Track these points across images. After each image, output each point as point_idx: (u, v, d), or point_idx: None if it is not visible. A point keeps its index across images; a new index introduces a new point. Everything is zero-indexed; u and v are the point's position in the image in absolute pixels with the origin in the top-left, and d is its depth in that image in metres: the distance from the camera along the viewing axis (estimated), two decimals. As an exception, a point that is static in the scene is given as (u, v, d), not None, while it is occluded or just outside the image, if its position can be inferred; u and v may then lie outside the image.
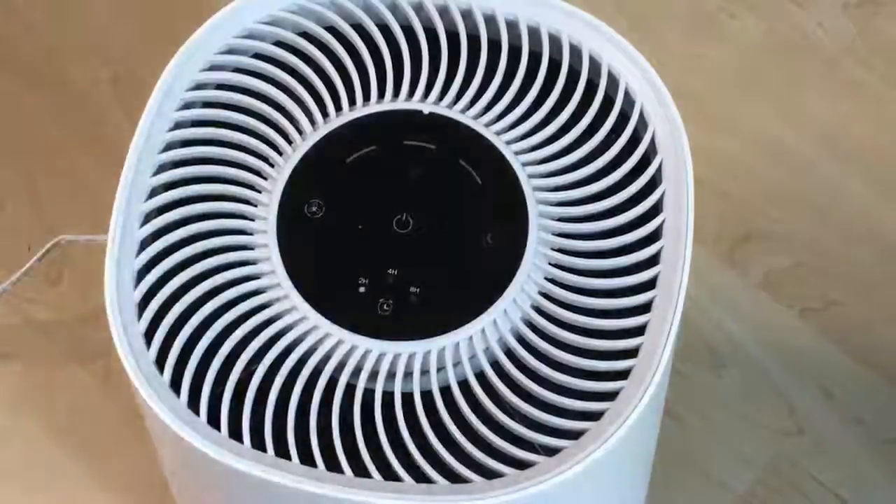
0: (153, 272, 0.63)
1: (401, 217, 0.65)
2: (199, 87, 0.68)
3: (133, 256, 0.64)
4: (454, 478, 0.60)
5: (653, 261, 0.64)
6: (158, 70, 0.67)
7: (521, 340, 0.63)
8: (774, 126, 1.07)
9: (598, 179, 0.66)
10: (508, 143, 0.66)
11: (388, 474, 0.60)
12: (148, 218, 0.65)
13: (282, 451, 0.61)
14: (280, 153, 0.66)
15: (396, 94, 0.68)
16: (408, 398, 0.61)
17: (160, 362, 0.62)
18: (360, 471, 0.60)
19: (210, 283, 0.63)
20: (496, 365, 0.62)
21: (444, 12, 0.69)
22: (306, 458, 0.60)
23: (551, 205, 0.65)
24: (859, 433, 0.96)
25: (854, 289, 1.01)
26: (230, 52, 0.69)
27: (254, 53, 0.69)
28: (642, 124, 0.67)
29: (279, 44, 0.69)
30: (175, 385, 0.62)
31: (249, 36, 0.69)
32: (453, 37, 0.69)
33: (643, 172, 0.66)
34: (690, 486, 0.94)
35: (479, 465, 0.60)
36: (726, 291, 1.01)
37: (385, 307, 0.63)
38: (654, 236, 0.65)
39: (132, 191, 0.65)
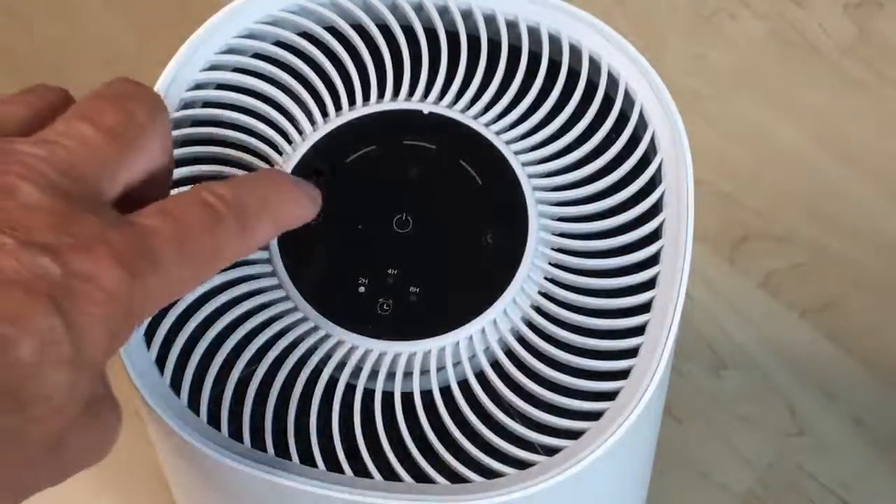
0: (153, 272, 0.63)
1: (401, 217, 0.65)
2: (198, 86, 0.68)
3: (133, 256, 0.64)
4: (454, 478, 0.60)
5: (653, 260, 0.64)
6: (158, 70, 0.67)
7: (521, 340, 0.63)
8: (775, 126, 1.07)
9: (597, 179, 0.66)
10: (508, 142, 0.66)
11: (388, 474, 0.60)
12: (148, 218, 0.65)
13: (282, 451, 0.61)
14: (280, 153, 0.66)
15: (396, 94, 0.68)
16: (408, 398, 0.61)
17: (160, 362, 0.62)
18: (360, 471, 0.60)
19: (210, 284, 0.63)
20: (496, 365, 0.62)
21: (444, 12, 0.69)
22: (306, 458, 0.60)
23: (551, 204, 0.65)
24: (859, 433, 0.96)
25: (854, 289, 1.01)
26: (230, 51, 0.69)
27: (254, 53, 0.69)
28: (642, 124, 0.67)
29: (279, 44, 0.69)
30: (175, 385, 0.62)
31: (250, 36, 0.69)
32: (453, 37, 0.69)
33: (643, 172, 0.66)
34: (690, 487, 0.95)
35: (479, 465, 0.60)
36: (726, 291, 1.01)
37: (385, 307, 0.63)
38: (654, 236, 0.65)
39: (132, 191, 0.65)
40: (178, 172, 0.66)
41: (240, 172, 0.66)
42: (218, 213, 0.53)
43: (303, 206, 0.60)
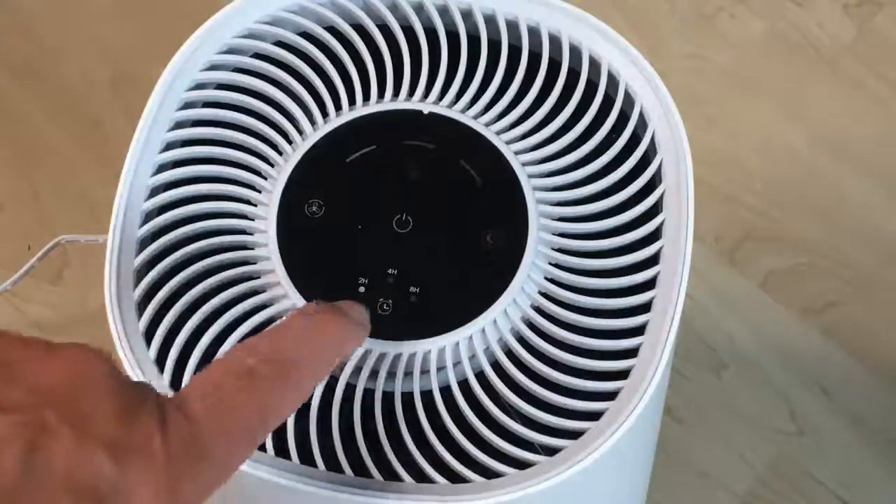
0: (153, 272, 0.63)
1: (401, 217, 0.65)
2: (199, 86, 0.68)
3: (133, 256, 0.64)
4: (454, 478, 0.60)
5: (653, 260, 0.64)
6: (158, 70, 0.67)
7: (521, 340, 0.63)
8: (774, 126, 1.07)
9: (597, 179, 0.66)
10: (508, 142, 0.66)
11: (389, 474, 0.60)
12: (148, 218, 0.65)
13: (282, 451, 0.61)
14: (280, 153, 0.66)
15: (396, 94, 0.68)
16: (408, 398, 0.61)
17: (160, 362, 0.62)
18: (361, 471, 0.60)
19: (210, 283, 0.63)
20: (496, 365, 0.62)
21: (444, 12, 0.69)
22: (306, 458, 0.60)
23: (551, 204, 0.65)
24: (859, 433, 0.96)
25: (854, 289, 1.01)
26: (230, 51, 0.69)
27: (254, 53, 0.69)
28: (642, 124, 0.67)
29: (279, 44, 0.69)
30: (175, 385, 0.62)
31: (250, 36, 0.69)
32: (453, 37, 0.69)
33: (643, 172, 0.66)
34: (690, 487, 0.95)
35: (479, 465, 0.60)
36: (726, 291, 1.01)
37: (385, 307, 0.63)
38: (654, 236, 0.65)
39: (132, 191, 0.65)
40: (180, 173, 0.66)
41: (241, 172, 0.66)
42: (262, 377, 0.51)
43: (351, 337, 0.57)
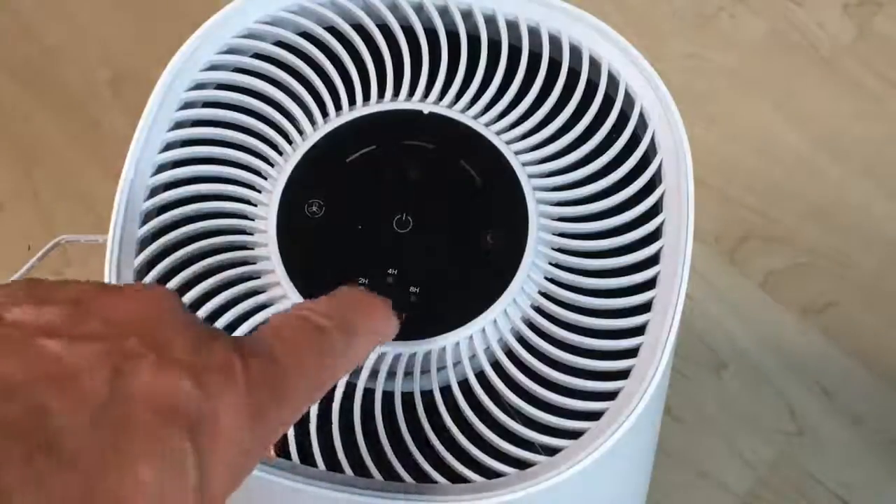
0: (153, 272, 0.63)
1: (401, 217, 0.65)
2: (199, 86, 0.68)
3: (133, 256, 0.64)
4: (454, 478, 0.60)
5: (653, 260, 0.64)
6: (158, 70, 0.67)
7: (521, 340, 0.63)
8: (774, 126, 1.07)
9: (597, 179, 0.66)
10: (508, 142, 0.66)
11: (389, 474, 0.60)
12: (148, 218, 0.65)
13: (282, 451, 0.61)
14: (280, 153, 0.66)
15: (396, 94, 0.68)
16: (408, 398, 0.61)
17: (160, 362, 0.62)
18: (361, 471, 0.60)
19: (210, 283, 0.63)
20: (496, 365, 0.62)
21: (444, 12, 0.69)
22: (306, 458, 0.60)
23: (551, 204, 0.65)
24: (859, 433, 0.96)
25: (854, 289, 1.01)
26: (230, 51, 0.69)
27: (254, 53, 0.69)
28: (642, 124, 0.67)
29: (279, 44, 0.69)
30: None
31: (250, 36, 0.69)
32: (453, 37, 0.69)
33: (643, 172, 0.66)
34: (690, 487, 0.95)
35: (479, 464, 0.60)
36: (726, 291, 1.01)
37: (385, 307, 0.63)
38: (654, 236, 0.65)
39: (132, 190, 0.65)
40: (180, 173, 0.66)
41: (241, 173, 0.66)
42: (326, 332, 0.53)
43: (389, 319, 0.58)
